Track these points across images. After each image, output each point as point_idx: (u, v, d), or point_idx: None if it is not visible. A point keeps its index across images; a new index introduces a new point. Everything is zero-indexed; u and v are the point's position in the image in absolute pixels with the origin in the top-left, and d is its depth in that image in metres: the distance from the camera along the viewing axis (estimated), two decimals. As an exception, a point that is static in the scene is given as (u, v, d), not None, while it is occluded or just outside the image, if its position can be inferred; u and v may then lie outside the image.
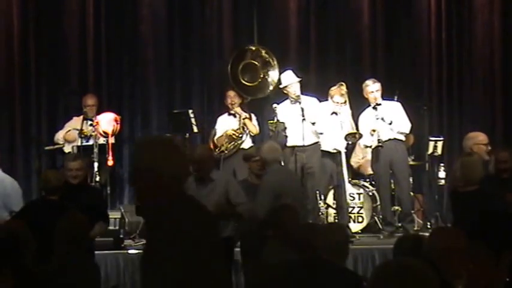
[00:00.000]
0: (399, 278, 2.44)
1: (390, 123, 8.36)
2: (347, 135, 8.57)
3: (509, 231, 5.98)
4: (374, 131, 8.35)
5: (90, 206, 6.42)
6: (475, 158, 6.63)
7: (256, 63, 9.33)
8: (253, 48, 9.43)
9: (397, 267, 2.49)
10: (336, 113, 8.56)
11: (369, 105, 8.56)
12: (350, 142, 8.79)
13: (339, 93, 8.59)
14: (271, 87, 9.23)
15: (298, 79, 8.58)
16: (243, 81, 9.25)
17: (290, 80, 8.59)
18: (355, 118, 8.73)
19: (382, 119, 8.35)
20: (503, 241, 5.85)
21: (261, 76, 9.29)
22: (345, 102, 8.69)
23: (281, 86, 8.67)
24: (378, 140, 8.37)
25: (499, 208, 6.01)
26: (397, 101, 8.76)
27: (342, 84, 8.62)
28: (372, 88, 8.46)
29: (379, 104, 8.45)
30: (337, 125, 8.47)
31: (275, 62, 9.25)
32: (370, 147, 8.60)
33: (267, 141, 7.83)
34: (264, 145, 7.38)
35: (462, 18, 10.22)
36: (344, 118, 8.61)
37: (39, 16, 9.92)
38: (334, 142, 8.48)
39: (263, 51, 9.35)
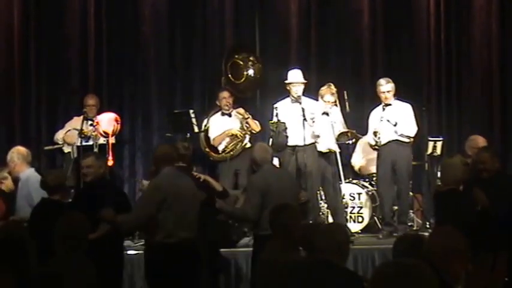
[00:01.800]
0: (399, 278, 2.45)
1: (395, 125, 8.41)
2: (339, 135, 8.61)
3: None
4: (376, 132, 8.42)
5: (102, 204, 6.31)
6: (454, 159, 6.73)
7: (241, 62, 9.33)
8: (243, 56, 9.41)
9: (396, 267, 2.51)
10: (327, 114, 8.61)
11: (379, 104, 8.63)
12: (349, 142, 8.83)
13: (329, 92, 8.67)
14: (254, 86, 9.22)
15: (303, 81, 8.61)
16: (232, 79, 9.26)
17: (295, 78, 8.61)
18: (366, 117, 8.78)
19: (388, 120, 8.41)
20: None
21: (244, 75, 9.30)
22: (335, 101, 8.74)
23: (286, 82, 8.69)
24: (377, 142, 8.44)
25: (470, 208, 6.15)
26: (409, 103, 8.79)
27: (330, 85, 8.71)
28: (384, 88, 8.55)
29: (389, 105, 8.52)
30: (329, 125, 8.51)
31: (256, 61, 9.25)
32: (374, 145, 8.69)
33: (258, 142, 7.84)
34: (255, 145, 7.41)
35: (461, 20, 10.25)
36: (335, 118, 8.66)
37: (40, 16, 9.93)
38: (327, 142, 8.52)
39: (251, 58, 9.36)
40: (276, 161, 8.71)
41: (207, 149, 9.19)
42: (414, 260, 2.64)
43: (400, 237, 4.56)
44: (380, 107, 8.66)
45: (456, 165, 6.43)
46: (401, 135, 8.52)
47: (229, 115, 9.10)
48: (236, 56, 9.28)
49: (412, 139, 8.64)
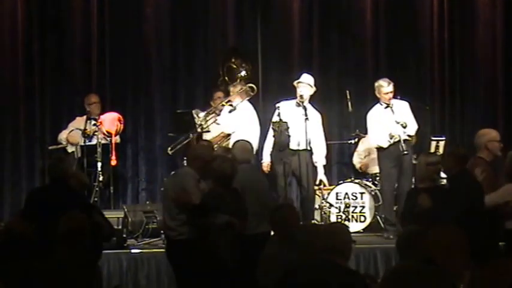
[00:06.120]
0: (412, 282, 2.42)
1: (405, 127, 8.39)
2: None
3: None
4: (393, 136, 8.37)
5: None
6: (419, 159, 7.03)
7: (235, 66, 9.33)
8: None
9: (410, 271, 2.47)
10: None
11: (377, 103, 8.60)
12: (351, 141, 8.79)
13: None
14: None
15: (310, 83, 8.58)
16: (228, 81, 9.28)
17: (303, 79, 8.61)
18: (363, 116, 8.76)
19: (399, 123, 8.36)
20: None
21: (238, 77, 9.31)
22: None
23: (295, 81, 8.68)
24: (393, 140, 8.37)
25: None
26: (403, 99, 8.76)
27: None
28: (387, 89, 8.53)
29: (391, 104, 8.52)
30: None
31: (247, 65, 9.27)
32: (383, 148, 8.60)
33: (240, 141, 7.73)
34: (236, 144, 7.39)
35: (464, 18, 10.23)
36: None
37: (43, 16, 9.96)
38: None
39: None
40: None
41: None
42: (428, 265, 2.61)
43: (405, 232, 4.62)
44: (381, 108, 8.59)
45: (419, 165, 6.74)
46: (408, 135, 8.51)
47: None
48: (233, 61, 9.29)
49: (413, 137, 8.62)
